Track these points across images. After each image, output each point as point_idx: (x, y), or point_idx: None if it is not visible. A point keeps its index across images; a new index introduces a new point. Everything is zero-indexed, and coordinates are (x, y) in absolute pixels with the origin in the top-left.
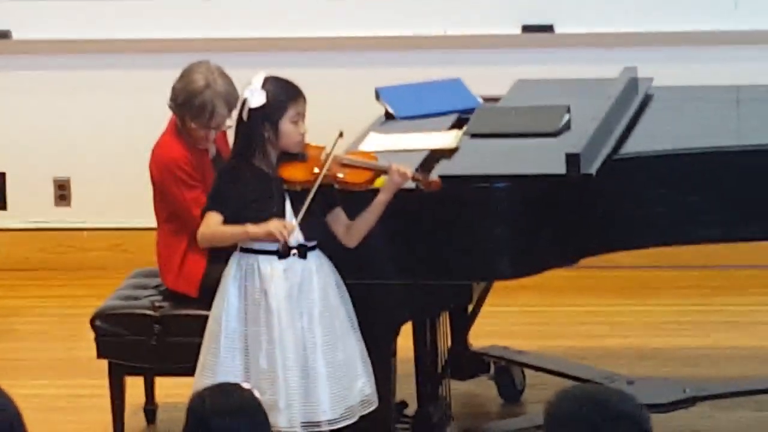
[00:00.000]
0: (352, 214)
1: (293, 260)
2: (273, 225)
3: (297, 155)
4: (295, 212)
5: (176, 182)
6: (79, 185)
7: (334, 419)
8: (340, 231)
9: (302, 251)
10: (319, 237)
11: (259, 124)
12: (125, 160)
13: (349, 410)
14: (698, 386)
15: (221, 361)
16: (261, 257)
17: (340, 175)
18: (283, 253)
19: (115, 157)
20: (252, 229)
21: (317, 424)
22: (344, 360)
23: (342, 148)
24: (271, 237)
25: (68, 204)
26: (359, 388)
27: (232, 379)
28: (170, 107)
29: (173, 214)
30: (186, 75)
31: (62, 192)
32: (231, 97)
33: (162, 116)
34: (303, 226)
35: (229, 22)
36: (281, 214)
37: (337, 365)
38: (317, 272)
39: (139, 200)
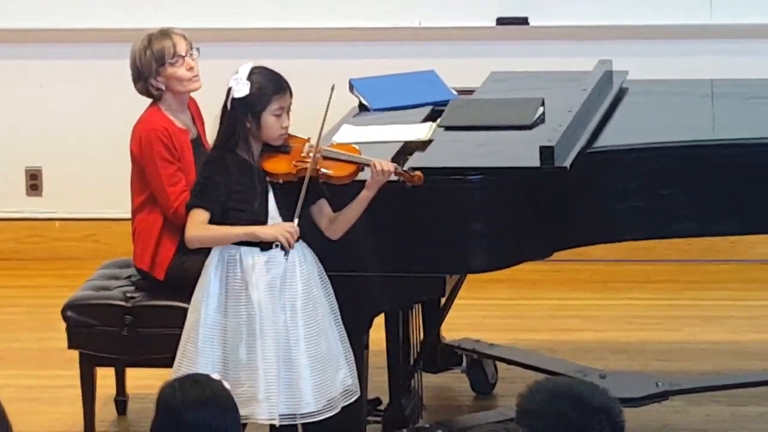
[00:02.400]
0: (335, 205)
1: (275, 252)
2: (280, 231)
3: (280, 147)
4: (279, 204)
5: (154, 155)
6: (51, 175)
7: (317, 411)
8: (324, 223)
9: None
10: (301, 228)
11: (242, 115)
12: (97, 150)
13: (332, 401)
14: (671, 380)
15: (200, 350)
16: (243, 248)
17: (323, 170)
18: (264, 246)
19: (87, 147)
20: (260, 231)
21: (301, 416)
22: (327, 351)
23: (318, 140)
24: (277, 242)
25: (40, 194)
26: (341, 379)
27: (210, 369)
28: (141, 89)
29: (152, 196)
30: (130, 59)
31: (34, 182)
32: (175, 30)
33: (135, 106)
34: (286, 217)
35: (201, 12)
36: (264, 206)
37: (319, 357)
38: (300, 264)
39: (111, 191)
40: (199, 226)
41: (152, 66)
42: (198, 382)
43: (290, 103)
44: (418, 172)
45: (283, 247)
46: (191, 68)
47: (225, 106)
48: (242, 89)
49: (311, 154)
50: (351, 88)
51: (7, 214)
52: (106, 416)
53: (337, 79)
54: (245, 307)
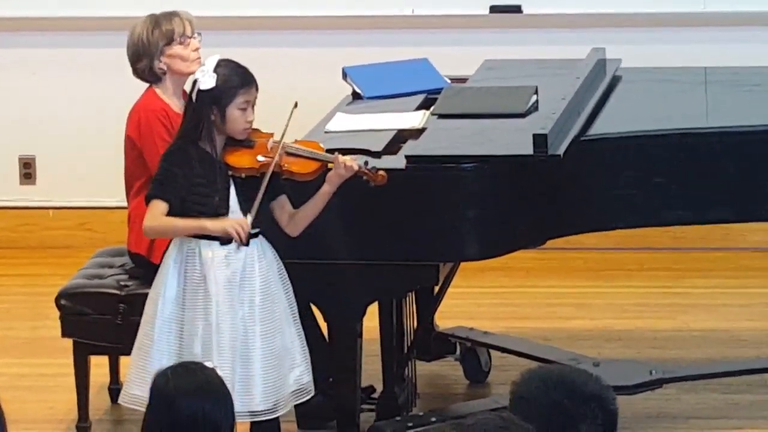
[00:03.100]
0: (296, 201)
1: (235, 247)
2: (230, 224)
3: (244, 141)
4: (240, 198)
5: (154, 136)
6: (45, 163)
7: (267, 410)
8: (284, 219)
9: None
10: (266, 223)
11: (207, 107)
12: (91, 138)
13: (280, 401)
14: (665, 368)
15: (155, 342)
16: (202, 242)
17: (286, 166)
18: (223, 240)
19: (81, 135)
20: (209, 224)
21: (254, 414)
22: (282, 348)
23: (305, 131)
24: (227, 236)
25: (33, 182)
26: (296, 378)
27: (165, 362)
28: (144, 69)
29: (149, 181)
30: (131, 32)
31: (27, 170)
32: (181, 12)
33: (129, 94)
34: (247, 211)
35: (195, 1)
36: (225, 199)
37: (274, 354)
38: (259, 260)
39: (104, 179)
40: (156, 217)
41: (159, 44)
42: (191, 369)
43: (255, 97)
44: (381, 172)
45: (236, 244)
46: (197, 49)
47: (190, 97)
48: (208, 81)
49: (275, 148)
50: (344, 76)
51: (1, 203)
52: (100, 404)
53: (331, 67)
54: (203, 300)
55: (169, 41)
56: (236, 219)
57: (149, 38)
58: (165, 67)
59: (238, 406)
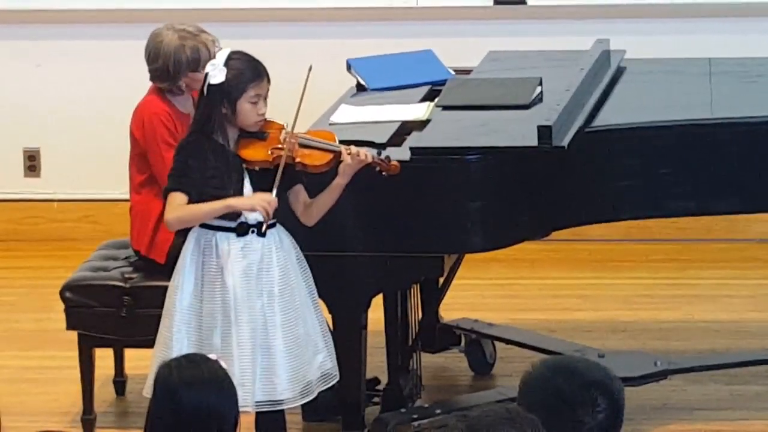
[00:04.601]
0: (312, 190)
1: (251, 238)
2: (257, 200)
3: (257, 134)
4: (255, 191)
5: (158, 139)
6: (49, 156)
7: (293, 397)
8: (299, 209)
9: (261, 229)
10: (280, 213)
11: (218, 101)
12: (95, 130)
13: (308, 387)
14: (670, 359)
15: (174, 335)
16: (219, 234)
17: (299, 159)
18: (240, 232)
19: (86, 127)
20: (236, 202)
21: (277, 402)
22: (304, 336)
23: (309, 123)
24: (254, 211)
25: (38, 175)
26: (319, 363)
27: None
28: (166, 89)
29: (151, 177)
30: (157, 46)
31: (32, 163)
32: (206, 32)
33: (132, 87)
34: None
35: None
36: (239, 192)
37: (297, 342)
38: (277, 250)
39: (109, 171)
40: (176, 207)
41: (185, 70)
42: (195, 362)
43: (267, 90)
44: (394, 162)
45: (258, 228)
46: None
47: (201, 91)
48: (218, 75)
49: (288, 140)
50: (349, 67)
51: (5, 195)
52: (104, 397)
53: (335, 59)
54: (220, 293)
55: (194, 69)
56: (262, 194)
57: (176, 65)
58: (184, 85)
59: (261, 395)
